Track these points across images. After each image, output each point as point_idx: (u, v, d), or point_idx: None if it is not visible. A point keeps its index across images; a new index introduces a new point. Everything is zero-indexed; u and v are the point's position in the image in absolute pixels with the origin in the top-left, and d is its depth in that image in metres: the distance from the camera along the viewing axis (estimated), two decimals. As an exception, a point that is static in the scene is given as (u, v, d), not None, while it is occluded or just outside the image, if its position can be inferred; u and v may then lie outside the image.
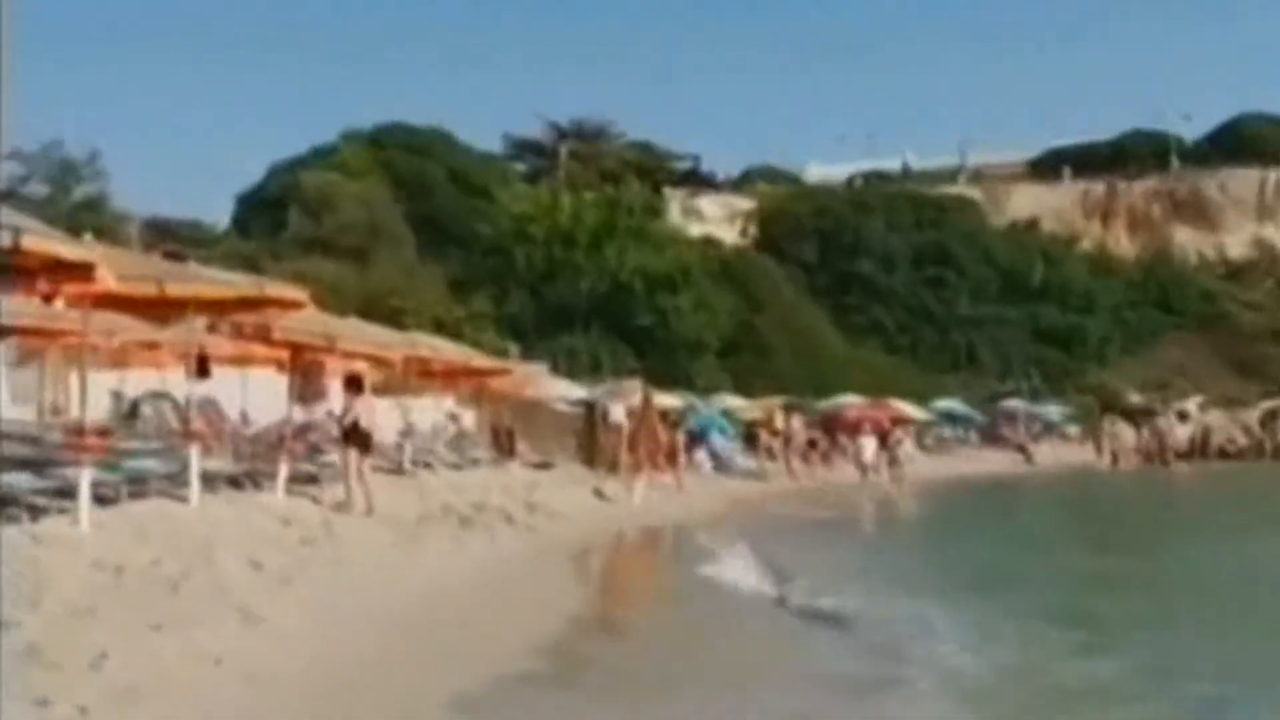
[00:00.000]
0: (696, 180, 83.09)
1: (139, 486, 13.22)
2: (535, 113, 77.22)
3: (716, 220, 75.84)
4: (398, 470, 20.44)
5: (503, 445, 28.20)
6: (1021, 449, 52.10)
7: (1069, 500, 35.84)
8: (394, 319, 32.23)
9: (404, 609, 10.96)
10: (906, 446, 36.38)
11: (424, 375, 24.32)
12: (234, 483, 15.68)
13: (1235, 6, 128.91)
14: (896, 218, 71.22)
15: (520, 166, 74.08)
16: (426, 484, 20.19)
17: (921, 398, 50.72)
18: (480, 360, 26.74)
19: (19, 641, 7.37)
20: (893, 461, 36.05)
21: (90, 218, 40.70)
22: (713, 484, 31.70)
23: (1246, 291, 76.19)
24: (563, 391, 33.92)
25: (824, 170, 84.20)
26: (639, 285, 49.79)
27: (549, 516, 19.71)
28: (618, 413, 30.22)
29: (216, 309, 14.64)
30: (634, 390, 31.63)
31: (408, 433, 22.13)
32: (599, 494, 24.89)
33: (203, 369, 17.08)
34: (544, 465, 27.83)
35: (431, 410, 26.10)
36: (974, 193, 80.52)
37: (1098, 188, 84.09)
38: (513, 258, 51.45)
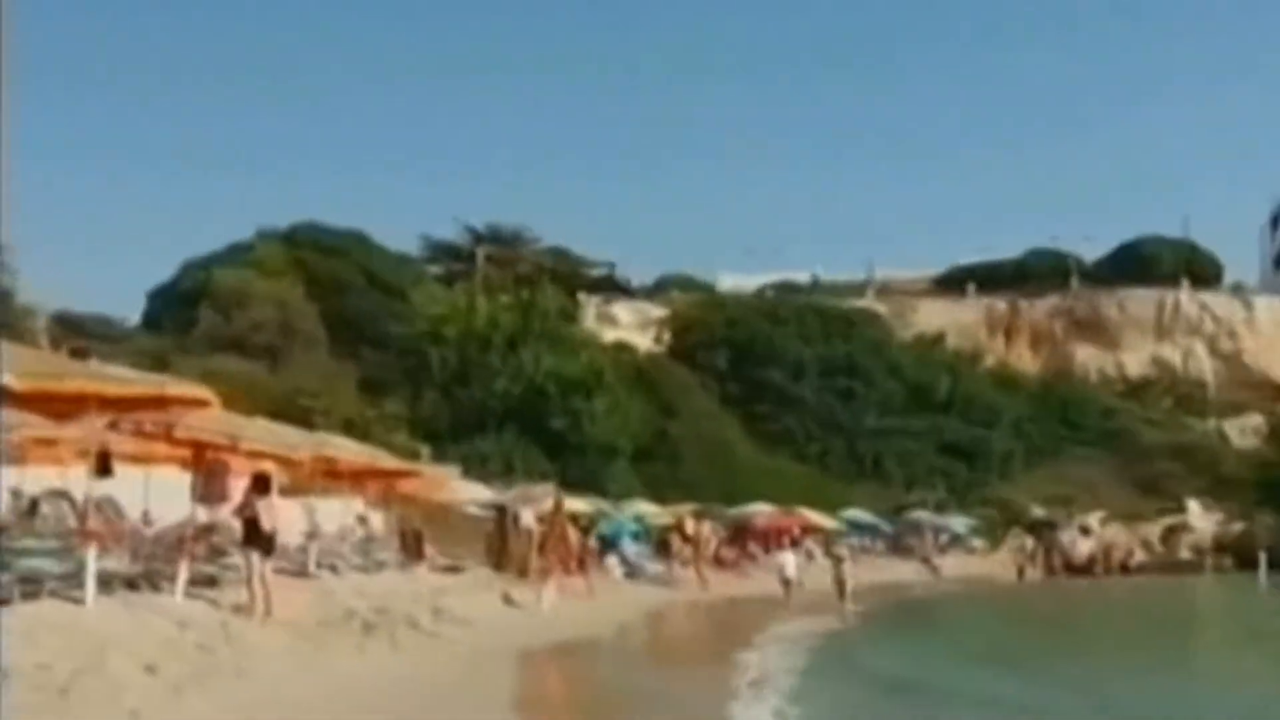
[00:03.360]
0: (611, 287, 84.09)
1: (32, 587, 12.90)
2: (453, 216, 77.86)
3: (630, 327, 76.63)
4: (302, 573, 20.10)
5: (411, 548, 27.80)
6: (926, 560, 52.54)
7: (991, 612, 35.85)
8: (304, 419, 31.84)
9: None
10: (849, 564, 33.99)
11: (332, 476, 23.98)
12: (131, 584, 15.32)
13: (1131, 136, 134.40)
14: (806, 329, 72.27)
15: (436, 269, 74.27)
16: (330, 587, 19.86)
17: (830, 507, 51.08)
18: (389, 462, 26.39)
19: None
20: (838, 579, 33.05)
21: (-7, 312, 39.94)
22: (624, 590, 31.49)
23: (1145, 409, 78.32)
24: (474, 495, 33.58)
25: (736, 280, 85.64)
26: (553, 389, 49.71)
27: (455, 623, 19.45)
28: (528, 517, 30.04)
29: (118, 406, 14.40)
30: (546, 495, 31.45)
31: (313, 534, 21.79)
32: (508, 600, 24.62)
33: (105, 467, 16.72)
34: (453, 569, 27.49)
35: (339, 512, 25.73)
36: (880, 307, 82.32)
37: (1001, 305, 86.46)
38: (427, 359, 51.19)
